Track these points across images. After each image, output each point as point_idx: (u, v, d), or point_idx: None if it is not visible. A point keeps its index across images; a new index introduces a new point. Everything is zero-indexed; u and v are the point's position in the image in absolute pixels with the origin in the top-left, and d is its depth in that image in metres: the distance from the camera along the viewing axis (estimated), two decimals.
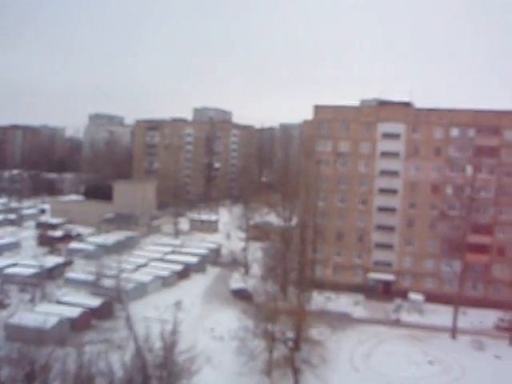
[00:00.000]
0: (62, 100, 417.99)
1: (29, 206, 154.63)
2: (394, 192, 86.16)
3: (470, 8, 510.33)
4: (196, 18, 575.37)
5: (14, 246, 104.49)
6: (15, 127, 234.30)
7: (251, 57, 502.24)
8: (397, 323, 74.42)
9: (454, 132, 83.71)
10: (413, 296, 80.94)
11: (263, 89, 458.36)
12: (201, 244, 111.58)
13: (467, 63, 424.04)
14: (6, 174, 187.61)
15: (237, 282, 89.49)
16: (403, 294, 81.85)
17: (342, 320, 72.63)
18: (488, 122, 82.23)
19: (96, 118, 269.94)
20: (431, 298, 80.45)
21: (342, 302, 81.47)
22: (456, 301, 70.42)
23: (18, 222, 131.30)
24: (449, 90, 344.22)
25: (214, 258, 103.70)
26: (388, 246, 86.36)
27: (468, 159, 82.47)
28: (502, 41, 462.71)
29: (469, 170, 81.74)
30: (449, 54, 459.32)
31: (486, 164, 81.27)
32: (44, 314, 58.97)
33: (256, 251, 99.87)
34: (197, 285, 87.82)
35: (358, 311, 78.78)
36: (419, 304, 79.40)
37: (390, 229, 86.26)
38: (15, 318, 60.66)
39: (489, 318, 75.02)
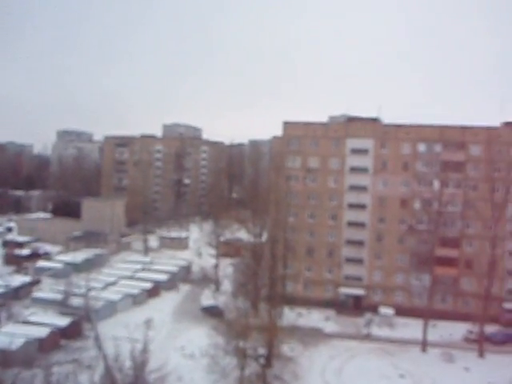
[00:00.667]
0: (30, 116, 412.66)
1: None
2: (362, 207, 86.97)
3: (441, 18, 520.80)
4: (167, 34, 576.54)
5: None
6: None
7: (222, 74, 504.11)
8: (368, 337, 74.75)
9: (421, 147, 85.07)
10: (383, 310, 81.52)
11: (233, 105, 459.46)
12: (171, 261, 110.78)
13: (438, 78, 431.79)
14: None
15: (207, 298, 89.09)
16: (374, 308, 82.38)
17: (314, 335, 72.70)
18: (454, 137, 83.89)
19: (64, 135, 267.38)
20: (401, 311, 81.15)
21: (314, 318, 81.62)
22: (426, 314, 71.06)
23: None
24: (417, 106, 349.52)
25: (184, 275, 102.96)
26: (358, 261, 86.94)
27: (435, 174, 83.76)
28: (476, 51, 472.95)
29: (436, 184, 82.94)
30: (418, 68, 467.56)
31: (453, 178, 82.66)
32: (10, 335, 57.65)
33: (227, 268, 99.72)
34: (167, 303, 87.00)
35: (330, 326, 78.94)
36: (389, 318, 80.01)
37: (359, 243, 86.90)
38: None
39: (458, 330, 75.96)
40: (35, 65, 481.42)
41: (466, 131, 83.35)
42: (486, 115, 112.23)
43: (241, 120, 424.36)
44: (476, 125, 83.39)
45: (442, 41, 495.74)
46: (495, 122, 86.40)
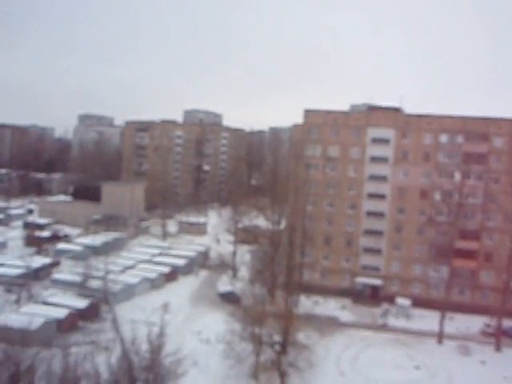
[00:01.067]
0: (52, 100, 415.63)
1: (17, 206, 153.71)
2: (382, 197, 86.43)
3: (462, 13, 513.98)
4: (189, 22, 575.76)
5: (0, 246, 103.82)
6: (4, 126, 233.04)
7: (242, 60, 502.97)
8: (384, 328, 74.61)
9: (443, 138, 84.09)
10: (400, 301, 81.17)
11: (254, 92, 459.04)
12: (189, 246, 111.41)
13: (460, 69, 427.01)
14: None
15: (225, 284, 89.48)
16: (390, 299, 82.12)
17: (330, 324, 72.82)
18: (477, 128, 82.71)
19: (85, 119, 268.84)
20: (418, 302, 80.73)
21: (330, 306, 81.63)
22: (443, 306, 70.63)
23: (5, 222, 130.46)
24: (440, 96, 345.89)
25: (202, 260, 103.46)
26: (376, 251, 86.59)
27: (457, 165, 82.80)
28: (495, 47, 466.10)
29: (457, 176, 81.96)
30: (441, 59, 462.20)
31: (475, 170, 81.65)
32: (30, 315, 58.41)
33: (244, 254, 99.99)
34: (184, 287, 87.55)
35: (346, 315, 78.87)
36: (406, 309, 79.64)
37: (378, 233, 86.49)
38: (0, 318, 60.11)
39: (475, 323, 75.44)
40: (60, 50, 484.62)
41: (489, 123, 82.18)
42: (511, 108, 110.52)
43: (261, 107, 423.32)
44: (499, 116, 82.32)
45: (471, 32, 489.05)
46: None
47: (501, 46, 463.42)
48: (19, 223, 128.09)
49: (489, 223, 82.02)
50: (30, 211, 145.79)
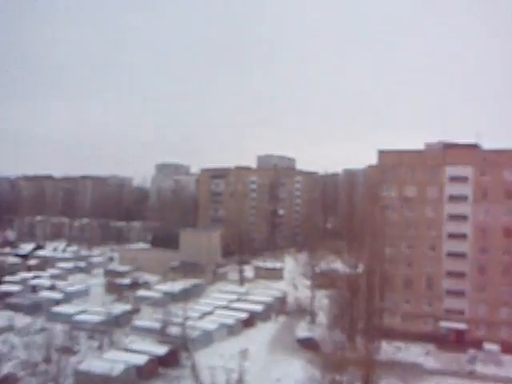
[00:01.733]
0: (129, 150, 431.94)
1: (98, 254, 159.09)
2: (463, 237, 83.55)
3: None
4: (262, 68, 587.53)
5: (83, 293, 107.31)
6: (85, 178, 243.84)
7: (313, 103, 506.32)
8: (472, 375, 70.96)
9: None
10: (488, 346, 77.21)
11: (326, 134, 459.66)
12: (266, 292, 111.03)
13: None
14: (77, 223, 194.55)
15: (303, 330, 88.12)
16: (477, 344, 78.21)
17: (413, 371, 69.88)
18: None
19: (162, 168, 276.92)
20: (508, 348, 76.50)
21: (413, 352, 78.50)
22: None
23: (87, 270, 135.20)
24: None
25: (279, 306, 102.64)
26: (459, 293, 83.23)
27: None
28: None
29: None
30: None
31: None
32: (111, 361, 59.56)
33: (322, 299, 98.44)
34: (262, 333, 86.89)
35: (430, 362, 75.62)
36: (495, 354, 75.54)
37: (460, 275, 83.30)
38: (84, 364, 61.53)
39: None
40: (134, 101, 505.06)
41: None
42: None
43: (334, 150, 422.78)
44: None
45: None
46: None
47: None
48: (100, 271, 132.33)
49: None
50: (111, 259, 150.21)
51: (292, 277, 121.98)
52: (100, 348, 73.74)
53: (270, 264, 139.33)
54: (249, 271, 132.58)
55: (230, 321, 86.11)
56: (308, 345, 78.63)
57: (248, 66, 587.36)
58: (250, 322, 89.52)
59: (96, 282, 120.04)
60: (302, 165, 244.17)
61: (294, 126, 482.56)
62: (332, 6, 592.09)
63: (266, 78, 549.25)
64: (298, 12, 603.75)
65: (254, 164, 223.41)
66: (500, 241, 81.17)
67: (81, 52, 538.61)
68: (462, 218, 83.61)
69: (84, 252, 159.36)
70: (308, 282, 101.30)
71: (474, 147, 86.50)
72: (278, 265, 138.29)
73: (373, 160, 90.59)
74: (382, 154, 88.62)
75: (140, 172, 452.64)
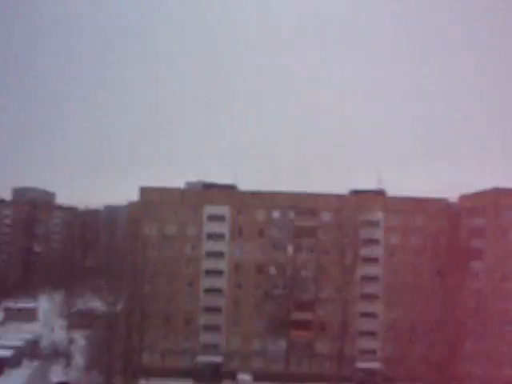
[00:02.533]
0: None
1: None
2: (220, 273, 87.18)
3: None
4: None
5: None
6: None
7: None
8: None
9: (276, 214, 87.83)
10: (241, 376, 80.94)
11: (88, 169, 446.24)
12: (17, 335, 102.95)
13: None
14: None
15: (58, 375, 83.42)
16: (232, 376, 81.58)
17: None
18: (306, 204, 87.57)
19: None
20: (260, 377, 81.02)
21: None
22: (283, 378, 71.58)
23: None
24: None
25: (32, 349, 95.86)
26: (215, 328, 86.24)
27: (289, 239, 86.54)
28: None
29: (290, 249, 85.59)
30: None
31: (306, 244, 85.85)
32: None
33: (80, 340, 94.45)
34: (13, 382, 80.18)
35: None
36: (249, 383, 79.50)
37: (217, 310, 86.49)
38: None
39: None
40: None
41: (318, 198, 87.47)
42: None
43: (95, 184, 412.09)
44: (327, 192, 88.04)
45: None
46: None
47: None
48: None
49: (321, 294, 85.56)
50: None
51: (47, 317, 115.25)
52: None
53: (22, 304, 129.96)
54: None
55: None
56: None
57: None
58: None
59: None
60: (62, 199, 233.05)
61: (55, 158, 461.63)
62: None
63: None
64: None
65: (8, 197, 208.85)
66: (253, 276, 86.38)
67: None
68: (219, 254, 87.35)
69: None
70: (65, 323, 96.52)
71: (231, 188, 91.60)
72: (31, 305, 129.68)
73: (135, 196, 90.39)
74: (144, 190, 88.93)
75: None
